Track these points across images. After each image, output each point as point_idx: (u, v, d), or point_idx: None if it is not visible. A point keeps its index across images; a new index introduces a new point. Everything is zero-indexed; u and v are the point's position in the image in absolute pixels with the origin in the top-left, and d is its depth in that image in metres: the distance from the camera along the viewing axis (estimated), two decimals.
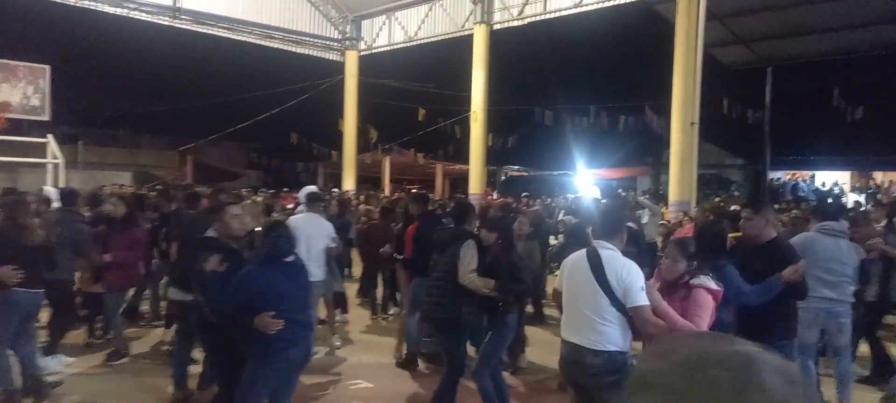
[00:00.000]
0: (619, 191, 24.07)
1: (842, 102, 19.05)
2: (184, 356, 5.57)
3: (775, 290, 4.19)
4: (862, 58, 20.66)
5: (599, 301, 3.63)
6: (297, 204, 8.76)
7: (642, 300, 3.55)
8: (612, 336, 3.62)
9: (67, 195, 7.30)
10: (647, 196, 14.85)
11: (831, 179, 25.22)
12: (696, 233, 5.31)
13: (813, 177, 25.87)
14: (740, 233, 4.86)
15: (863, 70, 20.88)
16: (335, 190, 21.39)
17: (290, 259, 4.15)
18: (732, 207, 13.97)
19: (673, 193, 14.45)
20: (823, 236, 5.47)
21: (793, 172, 26.24)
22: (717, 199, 19.56)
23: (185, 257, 5.30)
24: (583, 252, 3.88)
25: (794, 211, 12.75)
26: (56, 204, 7.47)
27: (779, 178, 25.97)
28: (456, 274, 4.80)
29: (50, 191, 9.11)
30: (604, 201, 13.11)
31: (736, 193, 23.66)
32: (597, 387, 3.68)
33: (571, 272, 3.88)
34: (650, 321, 3.53)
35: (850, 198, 21.68)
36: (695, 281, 3.66)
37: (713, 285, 3.66)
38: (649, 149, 26.80)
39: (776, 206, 13.03)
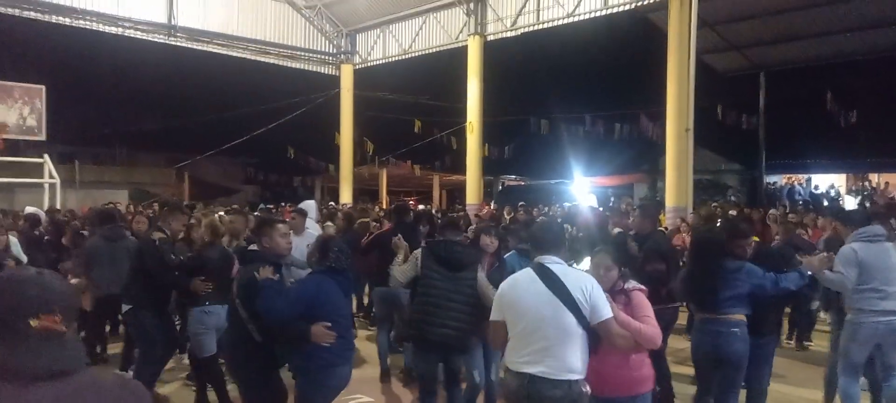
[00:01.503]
0: (612, 198, 24.18)
1: (835, 106, 19.15)
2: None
3: (805, 280, 4.59)
4: (854, 61, 20.81)
5: (564, 320, 3.24)
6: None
7: (609, 312, 3.30)
8: (572, 362, 3.25)
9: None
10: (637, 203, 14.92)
11: (827, 182, 25.31)
12: (696, 245, 5.17)
13: (809, 180, 25.93)
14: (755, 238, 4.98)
15: (856, 73, 21.02)
16: (332, 203, 21.40)
17: (344, 274, 4.08)
18: (730, 212, 14.05)
19: (670, 199, 14.51)
20: (866, 244, 5.00)
21: (789, 176, 26.31)
22: (714, 204, 19.60)
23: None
24: (526, 271, 3.50)
25: (791, 215, 12.79)
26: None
27: (775, 182, 26.03)
28: (476, 297, 4.59)
29: (32, 210, 9.11)
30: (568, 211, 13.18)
31: (732, 198, 23.70)
32: None
33: (520, 293, 3.41)
34: (617, 333, 3.34)
35: (847, 201, 21.75)
36: (629, 285, 3.60)
37: (641, 286, 3.66)
38: (645, 157, 26.84)
39: (773, 211, 13.07)
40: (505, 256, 5.65)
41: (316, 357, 3.85)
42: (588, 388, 3.33)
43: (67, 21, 18.71)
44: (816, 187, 24.85)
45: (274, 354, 4.10)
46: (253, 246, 4.45)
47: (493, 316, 3.54)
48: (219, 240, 5.48)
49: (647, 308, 3.54)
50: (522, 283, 3.44)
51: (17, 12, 17.92)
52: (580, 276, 3.39)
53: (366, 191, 29.01)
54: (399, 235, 5.66)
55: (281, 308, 3.83)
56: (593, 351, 3.36)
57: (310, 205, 8.35)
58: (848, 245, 5.09)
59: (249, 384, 4.15)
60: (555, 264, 3.39)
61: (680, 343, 7.37)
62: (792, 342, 8.30)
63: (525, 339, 3.34)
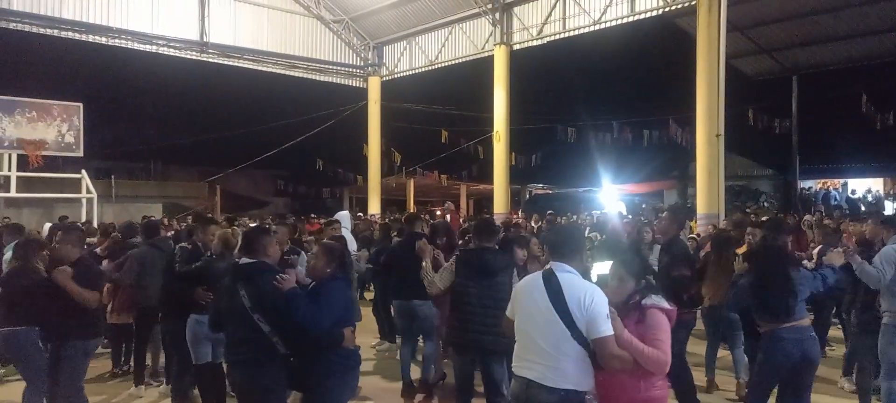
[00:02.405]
0: (643, 205, 23.91)
1: (871, 108, 18.72)
2: None
3: (838, 274, 5.13)
4: (889, 62, 20.32)
5: (556, 331, 3.18)
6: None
7: (607, 330, 3.11)
8: (569, 372, 3.17)
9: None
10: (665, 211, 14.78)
11: (863, 186, 24.72)
12: (762, 254, 5.13)
13: (845, 184, 25.36)
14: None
15: (890, 75, 20.53)
16: (360, 214, 21.58)
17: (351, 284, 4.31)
18: (762, 218, 13.81)
19: (701, 206, 14.31)
20: None
21: (824, 181, 25.77)
22: (748, 210, 19.28)
23: None
24: (538, 274, 3.45)
25: (828, 221, 12.53)
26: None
27: (809, 188, 25.52)
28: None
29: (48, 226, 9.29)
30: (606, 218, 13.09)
31: (766, 204, 23.29)
32: None
33: (525, 297, 3.42)
34: (615, 354, 3.11)
35: (887, 206, 21.24)
36: (647, 302, 3.25)
37: (666, 304, 3.28)
38: (675, 163, 26.54)
39: (808, 217, 12.81)
40: None
41: (345, 360, 4.01)
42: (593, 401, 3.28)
43: (103, 40, 19.25)
44: (854, 192, 24.29)
45: (296, 365, 4.02)
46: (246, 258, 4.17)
47: (507, 312, 3.60)
48: (229, 253, 5.50)
49: (662, 330, 3.21)
50: (528, 287, 3.42)
51: (55, 33, 18.49)
52: (582, 288, 3.24)
53: (393, 202, 29.17)
54: (423, 239, 5.71)
55: (323, 316, 3.85)
56: (599, 367, 3.22)
57: (344, 216, 8.55)
58: (890, 245, 5.28)
59: (275, 397, 4.08)
60: (564, 272, 3.30)
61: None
62: None
63: (524, 343, 3.36)
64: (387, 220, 13.88)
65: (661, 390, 3.30)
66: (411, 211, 17.43)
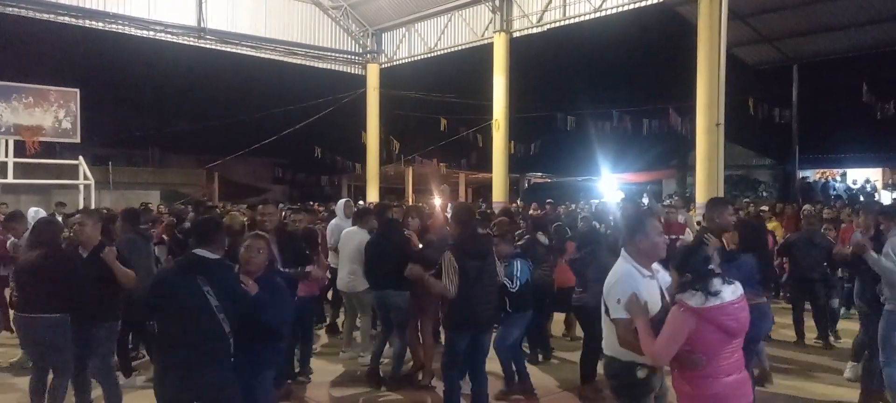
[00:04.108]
0: (643, 194, 23.89)
1: (871, 98, 18.66)
2: None
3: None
4: (890, 52, 20.24)
5: (604, 309, 3.67)
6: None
7: (619, 313, 3.43)
8: (611, 342, 3.60)
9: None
10: (671, 199, 14.68)
11: (863, 177, 24.71)
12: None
13: (844, 175, 25.35)
14: None
15: (891, 65, 20.46)
16: (361, 202, 21.53)
17: None
18: (762, 208, 13.80)
19: (700, 195, 14.27)
20: None
21: (823, 171, 25.76)
22: (746, 200, 19.27)
23: None
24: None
25: (826, 210, 12.52)
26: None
27: (808, 178, 25.51)
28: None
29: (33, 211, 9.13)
30: (624, 205, 12.95)
31: (764, 194, 23.29)
32: (610, 391, 3.84)
33: None
34: (624, 338, 3.43)
35: (883, 196, 21.22)
36: (678, 296, 3.28)
37: (694, 302, 3.17)
38: (674, 152, 26.53)
39: (808, 206, 12.80)
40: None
41: (278, 354, 4.40)
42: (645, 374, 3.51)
43: (100, 25, 19.10)
44: (855, 182, 24.28)
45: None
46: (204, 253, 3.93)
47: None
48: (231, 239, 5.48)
49: (669, 324, 3.22)
50: None
51: (51, 17, 18.34)
52: (612, 271, 3.60)
53: (392, 190, 29.15)
54: (411, 266, 5.76)
55: (285, 312, 4.19)
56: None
57: (340, 204, 8.70)
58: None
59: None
60: (619, 256, 3.68)
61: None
62: (820, 341, 8.12)
63: None
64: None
65: (692, 385, 3.28)
66: (382, 201, 17.31)
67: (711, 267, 3.26)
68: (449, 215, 7.14)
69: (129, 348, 7.28)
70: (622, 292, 3.41)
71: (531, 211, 13.30)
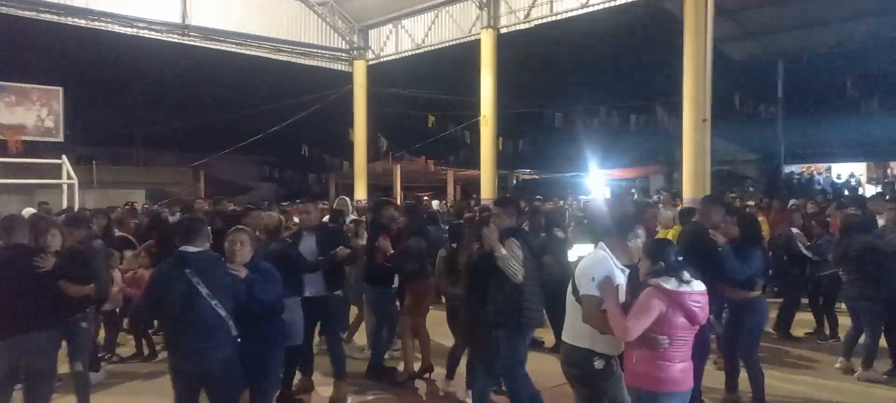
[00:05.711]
0: (632, 190, 23.96)
1: (855, 93, 18.84)
2: None
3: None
4: (874, 48, 20.43)
5: (570, 293, 3.78)
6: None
7: (590, 290, 3.59)
8: (572, 329, 3.75)
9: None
10: (660, 194, 14.74)
11: (847, 171, 24.93)
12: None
13: (829, 169, 25.56)
14: None
15: (875, 59, 20.65)
16: (345, 198, 21.40)
17: None
18: (749, 203, 13.87)
19: (687, 191, 14.30)
20: None
21: (808, 166, 25.96)
22: (732, 196, 19.36)
23: None
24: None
25: (810, 204, 12.60)
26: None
27: (794, 172, 25.71)
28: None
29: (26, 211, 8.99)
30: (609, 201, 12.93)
31: (751, 189, 23.43)
32: (567, 378, 3.91)
33: None
34: (589, 314, 3.59)
35: (867, 190, 21.41)
36: (652, 280, 3.48)
37: (669, 285, 3.42)
38: (661, 148, 26.61)
39: (794, 201, 12.88)
40: None
41: (281, 333, 4.70)
42: (602, 365, 3.65)
43: (83, 23, 18.84)
44: (839, 176, 24.49)
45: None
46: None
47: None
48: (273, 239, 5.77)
49: (639, 305, 3.42)
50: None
51: (33, 15, 18.06)
52: (587, 256, 3.85)
53: (380, 187, 29.07)
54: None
55: (277, 290, 4.45)
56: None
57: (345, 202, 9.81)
58: None
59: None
60: (597, 249, 3.85)
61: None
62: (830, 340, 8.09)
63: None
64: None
65: (647, 367, 3.48)
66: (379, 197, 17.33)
67: (679, 259, 3.53)
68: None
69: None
70: (598, 272, 3.62)
71: (544, 206, 12.95)
